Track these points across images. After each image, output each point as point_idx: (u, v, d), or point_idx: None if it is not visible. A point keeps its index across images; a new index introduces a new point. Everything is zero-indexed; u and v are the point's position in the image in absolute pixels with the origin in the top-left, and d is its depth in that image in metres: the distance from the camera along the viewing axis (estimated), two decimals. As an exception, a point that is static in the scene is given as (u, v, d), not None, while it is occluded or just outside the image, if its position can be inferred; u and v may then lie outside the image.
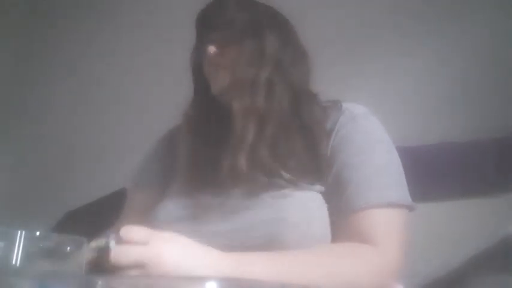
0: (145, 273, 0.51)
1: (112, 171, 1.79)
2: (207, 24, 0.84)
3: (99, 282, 0.43)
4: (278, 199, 0.70)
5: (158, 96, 1.84)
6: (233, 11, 0.82)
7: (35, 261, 0.44)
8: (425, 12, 1.41)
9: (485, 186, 1.19)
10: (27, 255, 0.43)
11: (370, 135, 0.76)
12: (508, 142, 1.22)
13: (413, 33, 1.40)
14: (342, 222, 0.70)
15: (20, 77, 2.29)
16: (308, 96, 0.82)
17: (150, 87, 1.90)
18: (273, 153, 0.73)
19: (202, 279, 0.51)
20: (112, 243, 0.52)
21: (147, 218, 0.78)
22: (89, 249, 0.51)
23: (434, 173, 1.24)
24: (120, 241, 0.52)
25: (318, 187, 0.73)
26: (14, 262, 0.42)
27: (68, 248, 0.45)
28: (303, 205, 0.70)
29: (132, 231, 0.54)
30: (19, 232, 0.43)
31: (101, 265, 0.52)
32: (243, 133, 0.73)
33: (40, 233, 0.45)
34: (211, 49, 0.79)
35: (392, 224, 0.69)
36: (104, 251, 0.52)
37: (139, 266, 0.51)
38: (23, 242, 0.43)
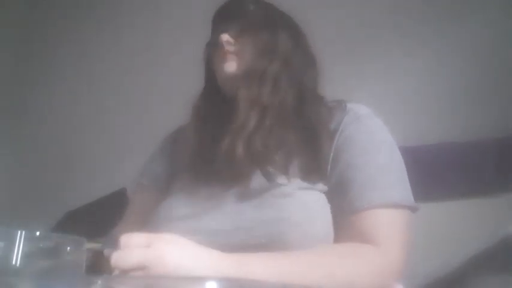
0: (146, 274, 0.51)
1: (112, 171, 1.80)
2: (223, 17, 0.88)
3: (99, 282, 0.43)
4: (280, 198, 0.70)
5: (158, 96, 1.84)
6: (250, 6, 0.86)
7: (35, 261, 0.44)
8: (425, 12, 1.42)
9: (485, 186, 1.19)
10: (27, 255, 0.43)
11: (374, 136, 0.77)
12: (508, 142, 1.22)
13: (413, 33, 1.40)
14: (345, 222, 0.70)
15: (20, 77, 2.29)
16: (315, 97, 0.84)
17: (150, 87, 1.90)
18: (266, 143, 0.75)
19: (202, 279, 0.51)
20: (109, 251, 0.52)
21: (149, 217, 0.78)
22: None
23: (435, 173, 1.24)
24: (120, 247, 0.53)
25: (321, 186, 0.73)
26: (14, 262, 0.42)
27: (68, 248, 0.45)
28: (305, 205, 0.70)
29: (132, 238, 0.54)
30: (19, 232, 0.43)
31: (96, 267, 0.52)
32: (245, 121, 0.75)
33: (40, 233, 0.45)
34: (225, 36, 0.81)
35: (394, 224, 0.69)
36: (99, 254, 0.52)
37: (141, 268, 0.52)
38: (23, 242, 0.43)
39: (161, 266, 0.52)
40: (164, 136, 0.97)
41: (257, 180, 0.73)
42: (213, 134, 0.81)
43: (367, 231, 0.67)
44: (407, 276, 0.65)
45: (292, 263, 0.61)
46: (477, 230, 1.09)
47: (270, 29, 0.84)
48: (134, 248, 0.53)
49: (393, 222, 0.69)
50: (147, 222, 0.77)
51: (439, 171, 1.24)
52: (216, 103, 0.86)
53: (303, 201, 0.70)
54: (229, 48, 0.82)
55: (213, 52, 0.86)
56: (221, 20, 0.88)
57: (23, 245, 0.43)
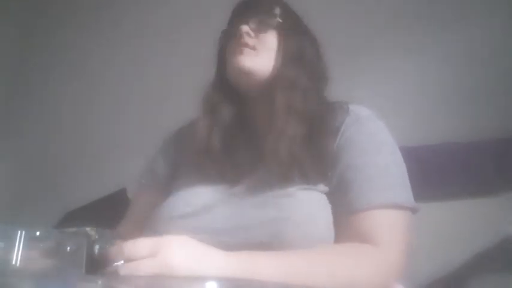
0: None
1: (112, 171, 1.80)
2: (246, 8, 0.87)
3: (99, 282, 0.43)
4: (281, 198, 0.70)
5: (158, 96, 1.85)
6: (277, 8, 0.85)
7: (35, 261, 0.44)
8: (426, 14, 1.42)
9: (486, 186, 1.19)
10: (27, 255, 0.43)
11: (375, 137, 0.77)
12: (508, 143, 1.22)
13: (414, 33, 1.40)
14: (345, 223, 0.70)
15: (20, 77, 2.30)
16: (321, 99, 0.84)
17: (150, 87, 1.90)
18: (303, 148, 0.76)
19: (202, 279, 0.51)
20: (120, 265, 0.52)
21: (151, 217, 0.78)
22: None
23: (435, 173, 1.24)
24: (125, 257, 0.52)
25: (322, 187, 0.73)
26: (14, 262, 0.42)
27: (68, 247, 0.45)
28: (306, 205, 0.70)
29: (136, 245, 0.54)
30: (19, 232, 0.43)
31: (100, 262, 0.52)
32: (284, 127, 0.76)
33: (40, 233, 0.45)
34: (245, 28, 0.80)
35: (394, 225, 0.69)
36: (104, 251, 0.52)
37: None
38: (23, 241, 0.43)
39: (171, 273, 0.52)
40: (165, 137, 0.97)
41: (259, 180, 0.73)
42: (225, 129, 0.82)
43: (367, 232, 0.67)
44: (407, 276, 0.65)
45: (295, 263, 0.61)
46: (478, 230, 1.09)
47: (297, 36, 0.84)
48: (140, 259, 0.53)
49: (393, 222, 0.69)
50: (148, 223, 0.77)
51: (439, 172, 1.24)
52: (227, 95, 0.85)
53: (303, 202, 0.70)
54: (249, 40, 0.80)
55: (228, 42, 0.85)
56: (243, 11, 0.86)
57: (23, 244, 0.43)
